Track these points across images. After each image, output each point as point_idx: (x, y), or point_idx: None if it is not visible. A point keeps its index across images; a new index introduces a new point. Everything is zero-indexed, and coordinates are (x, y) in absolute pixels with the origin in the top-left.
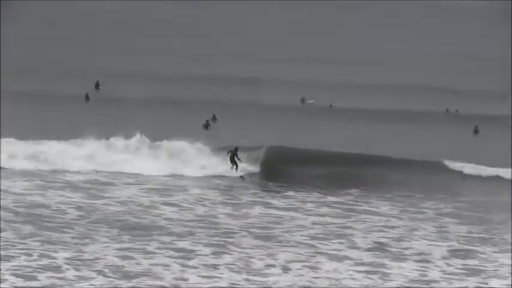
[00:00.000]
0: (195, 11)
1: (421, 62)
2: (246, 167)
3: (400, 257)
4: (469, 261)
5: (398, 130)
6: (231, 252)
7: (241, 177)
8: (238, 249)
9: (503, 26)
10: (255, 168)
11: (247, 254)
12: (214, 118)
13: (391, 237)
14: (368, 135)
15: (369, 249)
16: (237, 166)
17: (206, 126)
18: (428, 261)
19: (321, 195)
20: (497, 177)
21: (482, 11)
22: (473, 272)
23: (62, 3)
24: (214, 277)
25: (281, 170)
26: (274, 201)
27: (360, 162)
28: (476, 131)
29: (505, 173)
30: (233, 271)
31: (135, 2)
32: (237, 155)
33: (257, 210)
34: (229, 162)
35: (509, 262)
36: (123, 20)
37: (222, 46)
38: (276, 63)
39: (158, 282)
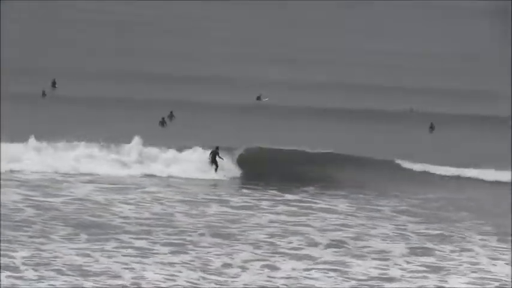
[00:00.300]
0: (154, 10)
1: (384, 61)
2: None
3: (359, 255)
4: (428, 259)
5: (358, 129)
6: (188, 251)
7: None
8: (196, 248)
9: (484, 23)
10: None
11: (204, 252)
12: (171, 115)
13: (349, 236)
14: (328, 134)
15: (327, 247)
16: (217, 166)
17: (162, 123)
18: (387, 259)
19: (278, 193)
20: (457, 177)
21: (457, 8)
22: (433, 269)
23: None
24: (173, 275)
25: (237, 168)
26: (231, 199)
27: (321, 160)
28: (432, 127)
29: (461, 172)
30: (190, 269)
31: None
32: (218, 154)
33: (214, 208)
34: (209, 161)
35: (469, 260)
36: (85, 19)
37: (179, 45)
38: (234, 62)
39: (117, 281)
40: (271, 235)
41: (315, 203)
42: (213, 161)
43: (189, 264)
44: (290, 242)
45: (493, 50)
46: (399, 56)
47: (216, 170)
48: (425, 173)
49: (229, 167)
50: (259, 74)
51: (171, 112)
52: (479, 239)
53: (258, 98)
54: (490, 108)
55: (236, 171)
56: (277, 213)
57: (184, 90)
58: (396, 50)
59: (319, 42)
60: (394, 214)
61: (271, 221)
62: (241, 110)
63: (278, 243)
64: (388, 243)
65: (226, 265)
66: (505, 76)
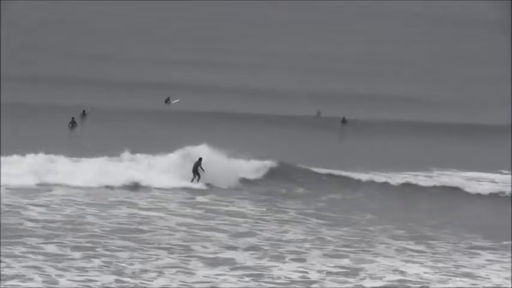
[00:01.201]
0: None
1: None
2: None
3: (277, 258)
4: (344, 262)
5: (265, 132)
6: (98, 256)
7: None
8: (107, 252)
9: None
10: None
11: (115, 256)
12: (83, 114)
13: (264, 238)
14: (235, 137)
15: (244, 251)
16: (199, 177)
17: (72, 124)
18: (305, 261)
19: (187, 194)
20: (371, 182)
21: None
22: (351, 272)
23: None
24: (86, 280)
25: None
26: (140, 202)
27: None
28: (343, 121)
29: (370, 176)
30: (104, 273)
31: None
32: (200, 165)
33: (124, 210)
34: (191, 172)
35: (384, 262)
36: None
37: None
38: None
39: (30, 285)
40: (184, 239)
41: (225, 205)
42: (195, 172)
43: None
44: (205, 247)
45: (412, 54)
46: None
47: (198, 180)
48: (332, 176)
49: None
50: (165, 77)
51: (84, 111)
52: (390, 242)
53: (167, 101)
54: (403, 113)
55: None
56: (185, 216)
57: (98, 94)
58: (308, 52)
59: (228, 44)
60: (303, 217)
61: (181, 224)
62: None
63: (190, 247)
64: (304, 246)
65: (140, 270)
66: (421, 81)
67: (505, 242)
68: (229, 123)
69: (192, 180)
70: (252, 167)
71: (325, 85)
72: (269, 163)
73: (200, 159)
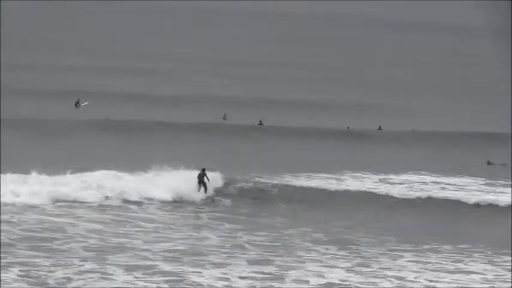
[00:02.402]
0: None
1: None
2: None
3: (198, 266)
4: (268, 268)
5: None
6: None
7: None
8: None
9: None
10: None
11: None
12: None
13: (183, 245)
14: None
15: (161, 257)
16: (206, 187)
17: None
18: (227, 268)
19: (94, 200)
20: (286, 186)
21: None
22: (275, 277)
23: None
24: None
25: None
26: (48, 208)
27: None
28: (224, 118)
29: (288, 181)
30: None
31: None
32: (206, 175)
33: (33, 216)
34: (197, 183)
35: (310, 268)
36: None
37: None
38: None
39: None
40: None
41: (135, 211)
42: (201, 182)
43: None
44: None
45: (351, 63)
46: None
47: (205, 191)
48: (245, 181)
49: None
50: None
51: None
52: (312, 247)
53: (76, 104)
54: (323, 121)
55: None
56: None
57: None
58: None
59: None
60: (219, 222)
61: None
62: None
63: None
64: (224, 254)
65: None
66: (358, 90)
67: (426, 246)
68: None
69: (199, 191)
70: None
71: (231, 90)
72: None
73: (203, 169)
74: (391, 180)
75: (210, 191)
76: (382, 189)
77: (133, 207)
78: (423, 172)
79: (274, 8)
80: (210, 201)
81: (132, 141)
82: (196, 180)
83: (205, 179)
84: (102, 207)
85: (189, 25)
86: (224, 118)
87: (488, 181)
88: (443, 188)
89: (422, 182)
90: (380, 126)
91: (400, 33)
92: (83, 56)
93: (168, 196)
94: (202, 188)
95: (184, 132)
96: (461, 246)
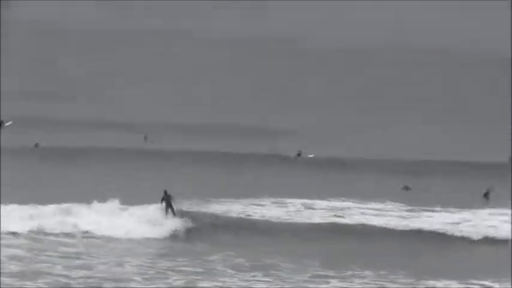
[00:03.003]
0: None
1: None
2: None
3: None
4: None
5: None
6: None
7: None
8: None
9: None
10: None
11: None
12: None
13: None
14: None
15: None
16: (173, 210)
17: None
18: None
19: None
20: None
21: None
22: None
23: None
24: None
25: None
26: None
27: None
28: (145, 139)
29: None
30: None
31: None
32: (170, 197)
33: None
34: (164, 207)
35: None
36: None
37: None
38: None
39: None
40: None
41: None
42: (168, 205)
43: None
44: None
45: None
46: None
47: (173, 213)
48: None
49: None
50: None
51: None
52: (235, 274)
53: (0, 125)
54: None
55: None
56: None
57: None
58: None
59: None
60: (140, 248)
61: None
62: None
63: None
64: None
65: None
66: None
67: (350, 272)
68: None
69: (167, 213)
70: None
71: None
72: None
73: (165, 191)
74: (314, 206)
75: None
76: (306, 214)
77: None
78: (342, 198)
79: None
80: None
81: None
82: (162, 204)
83: (170, 201)
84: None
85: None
86: (145, 138)
87: (408, 207)
88: (363, 213)
89: (346, 208)
90: (300, 152)
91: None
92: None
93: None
94: (170, 211)
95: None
96: (382, 272)
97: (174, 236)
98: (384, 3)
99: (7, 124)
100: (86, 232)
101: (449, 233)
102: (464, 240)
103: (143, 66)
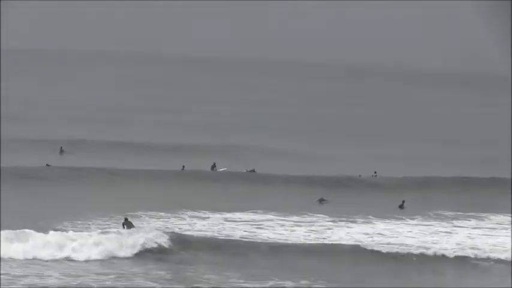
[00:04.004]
0: None
1: None
2: None
3: None
4: None
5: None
6: None
7: None
8: None
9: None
10: None
11: None
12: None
13: None
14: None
15: None
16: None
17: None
18: None
19: None
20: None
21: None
22: None
23: None
24: None
25: None
26: None
27: None
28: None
29: None
30: None
31: None
32: (131, 223)
33: None
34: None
35: None
36: None
37: None
38: None
39: None
40: None
41: None
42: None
43: None
44: None
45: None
46: None
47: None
48: None
49: None
50: None
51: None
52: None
53: None
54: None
55: None
56: None
57: None
58: None
59: None
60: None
61: None
62: None
63: None
64: None
65: None
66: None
67: (271, 282)
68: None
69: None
70: None
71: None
72: None
73: (126, 218)
74: (234, 218)
75: None
76: (228, 227)
77: None
78: (259, 211)
79: None
80: None
81: None
82: (124, 228)
83: (131, 224)
84: None
85: None
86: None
87: (329, 218)
88: (282, 225)
89: (267, 220)
90: (214, 164)
91: None
92: None
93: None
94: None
95: None
96: (303, 282)
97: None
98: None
99: None
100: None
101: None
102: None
103: None
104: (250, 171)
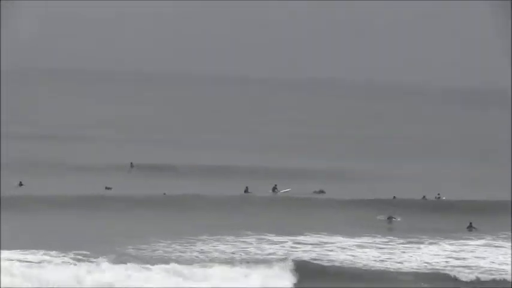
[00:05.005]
0: None
1: None
2: None
3: None
4: None
5: None
6: None
7: None
8: None
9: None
10: None
11: None
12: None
13: None
14: None
15: None
16: None
17: None
18: None
19: None
20: None
21: None
22: None
23: None
24: None
25: None
26: None
27: None
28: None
29: None
30: None
31: None
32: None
33: None
34: None
35: None
36: None
37: None
38: None
39: None
40: None
41: None
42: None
43: None
44: None
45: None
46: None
47: None
48: None
49: None
50: None
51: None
52: None
53: None
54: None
55: None
56: None
57: None
58: None
59: None
60: None
61: None
62: None
63: None
64: None
65: None
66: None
67: None
68: None
69: None
70: None
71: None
72: None
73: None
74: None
75: None
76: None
77: None
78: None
79: None
80: None
81: None
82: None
83: None
84: None
85: None
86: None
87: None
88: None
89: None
90: (275, 186)
91: None
92: None
93: None
94: None
95: None
96: None
97: None
98: None
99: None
100: None
101: None
102: None
103: None
104: (319, 192)
